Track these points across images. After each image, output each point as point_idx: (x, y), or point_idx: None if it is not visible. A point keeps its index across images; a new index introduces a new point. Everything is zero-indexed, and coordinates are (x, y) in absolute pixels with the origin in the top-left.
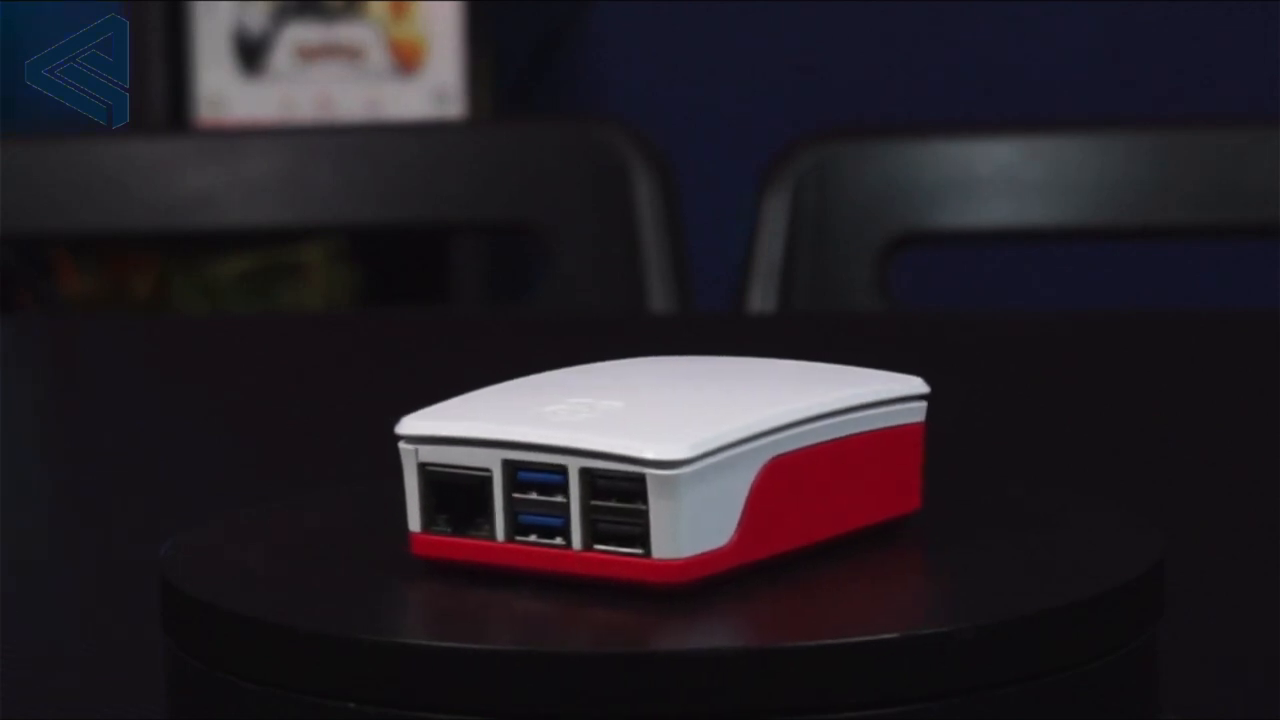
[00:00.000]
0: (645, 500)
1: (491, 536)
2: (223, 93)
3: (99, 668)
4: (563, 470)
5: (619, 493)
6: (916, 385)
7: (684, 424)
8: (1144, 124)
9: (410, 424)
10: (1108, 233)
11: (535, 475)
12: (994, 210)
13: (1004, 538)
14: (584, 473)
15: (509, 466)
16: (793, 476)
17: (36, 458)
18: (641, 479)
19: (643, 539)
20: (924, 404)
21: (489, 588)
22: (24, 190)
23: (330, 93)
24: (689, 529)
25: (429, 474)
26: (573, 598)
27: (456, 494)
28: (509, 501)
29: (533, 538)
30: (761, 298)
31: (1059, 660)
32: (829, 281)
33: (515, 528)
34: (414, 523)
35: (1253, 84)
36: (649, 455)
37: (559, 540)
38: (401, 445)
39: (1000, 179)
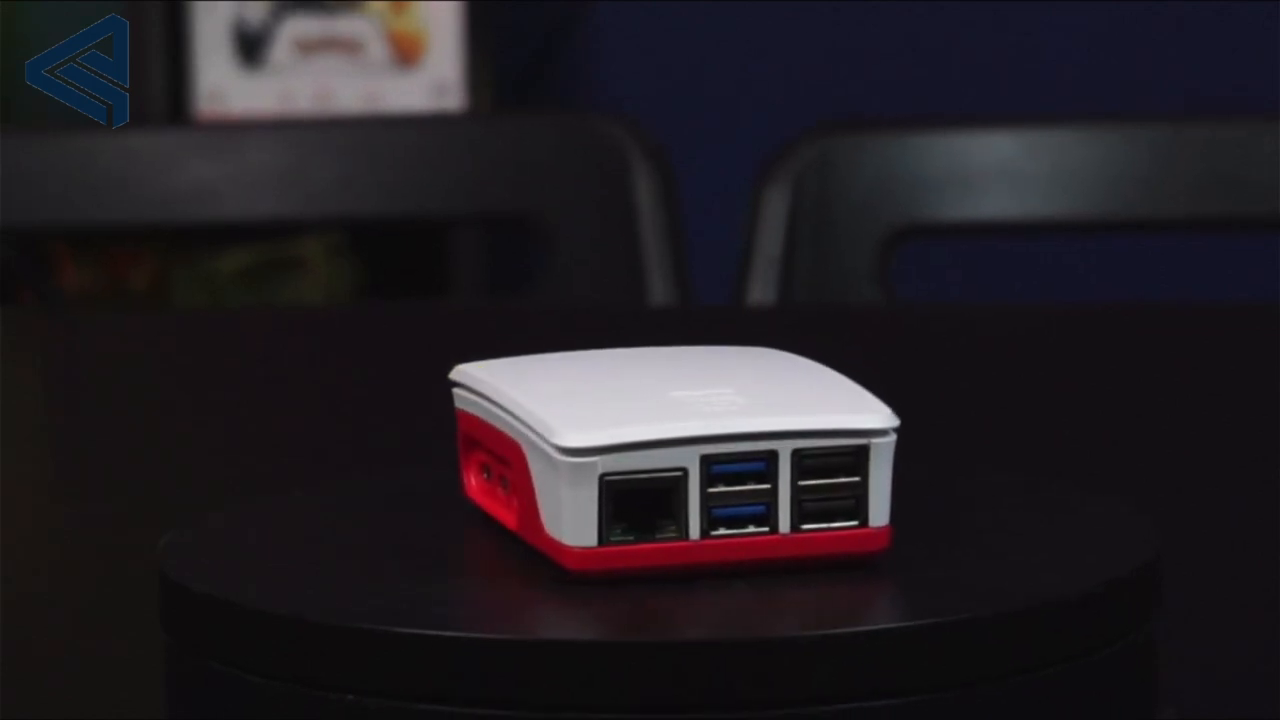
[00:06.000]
0: (863, 471)
1: (682, 536)
2: (222, 86)
3: (99, 668)
4: (770, 456)
5: (828, 469)
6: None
7: (849, 397)
8: (1144, 117)
9: (579, 436)
10: (1108, 225)
11: (732, 466)
12: (994, 203)
13: (1002, 531)
14: (796, 454)
15: (706, 462)
16: None
17: (35, 454)
18: (864, 450)
19: (854, 510)
20: None
21: (488, 581)
22: (23, 183)
23: (330, 86)
24: (890, 496)
25: (611, 484)
26: (570, 587)
27: (636, 500)
28: (704, 498)
29: (722, 530)
30: (761, 290)
31: (1057, 654)
32: (829, 274)
33: (709, 523)
34: (583, 537)
35: (1252, 78)
36: (868, 425)
37: (753, 528)
38: (572, 461)
39: (1000, 172)
